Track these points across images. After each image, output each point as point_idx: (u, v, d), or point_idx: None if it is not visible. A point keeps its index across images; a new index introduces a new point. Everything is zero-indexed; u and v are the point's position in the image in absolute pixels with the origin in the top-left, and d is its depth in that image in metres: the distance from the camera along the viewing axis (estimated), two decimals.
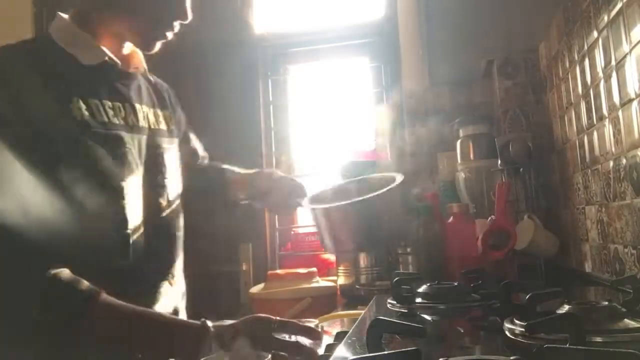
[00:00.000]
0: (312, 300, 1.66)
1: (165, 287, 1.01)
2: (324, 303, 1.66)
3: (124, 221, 0.89)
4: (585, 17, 1.19)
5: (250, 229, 2.10)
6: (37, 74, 0.84)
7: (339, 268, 1.70)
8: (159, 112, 1.07)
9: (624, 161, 1.03)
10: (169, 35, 0.98)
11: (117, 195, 0.88)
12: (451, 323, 0.88)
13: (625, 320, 0.65)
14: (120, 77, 0.97)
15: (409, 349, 0.55)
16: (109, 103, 0.91)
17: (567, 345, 0.55)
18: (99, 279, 0.80)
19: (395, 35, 2.13)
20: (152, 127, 1.02)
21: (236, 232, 2.05)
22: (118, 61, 0.95)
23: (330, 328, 1.14)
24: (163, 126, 1.06)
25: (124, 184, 0.89)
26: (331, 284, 1.78)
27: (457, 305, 0.89)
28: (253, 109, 2.22)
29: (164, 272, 1.02)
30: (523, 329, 0.64)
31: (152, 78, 1.11)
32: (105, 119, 0.89)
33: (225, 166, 1.29)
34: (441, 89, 2.02)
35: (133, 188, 0.92)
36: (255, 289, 1.82)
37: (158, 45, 0.99)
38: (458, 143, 1.79)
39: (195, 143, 1.27)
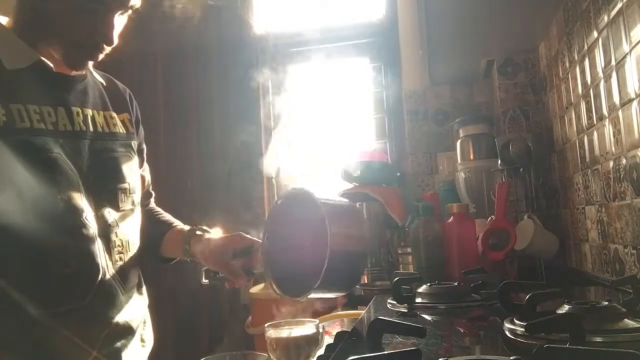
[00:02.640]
0: (312, 300, 1.67)
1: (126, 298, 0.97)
2: (324, 303, 1.66)
3: (62, 225, 0.86)
4: (585, 17, 1.19)
5: (250, 229, 2.10)
6: None
7: None
8: (114, 115, 1.01)
9: (624, 161, 1.03)
10: (98, 57, 0.92)
11: (47, 201, 0.84)
12: (451, 323, 0.88)
13: (625, 320, 0.65)
14: (57, 80, 0.92)
15: (409, 349, 0.55)
16: (36, 107, 0.87)
17: (567, 345, 0.55)
18: (36, 287, 0.81)
19: (395, 35, 2.13)
20: (101, 130, 0.97)
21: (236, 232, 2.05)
22: (51, 64, 0.90)
23: (330, 328, 1.14)
24: (119, 129, 1.01)
25: (54, 190, 0.85)
26: None
27: (457, 305, 0.89)
28: (253, 109, 2.22)
29: (123, 283, 0.96)
30: (523, 329, 0.64)
31: (104, 81, 1.04)
32: (26, 125, 0.85)
33: (163, 217, 1.19)
34: (441, 89, 2.02)
35: (70, 193, 0.87)
36: (255, 289, 1.82)
37: (87, 65, 0.95)
38: (458, 143, 1.79)
39: (145, 172, 1.17)
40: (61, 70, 0.93)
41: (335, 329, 1.08)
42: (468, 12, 1.70)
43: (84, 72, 0.98)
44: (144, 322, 1.04)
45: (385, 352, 0.61)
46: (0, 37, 0.89)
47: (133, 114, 1.08)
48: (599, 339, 0.60)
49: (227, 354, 0.84)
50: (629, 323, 0.64)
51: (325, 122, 2.29)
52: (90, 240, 0.89)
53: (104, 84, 1.03)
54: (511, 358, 0.52)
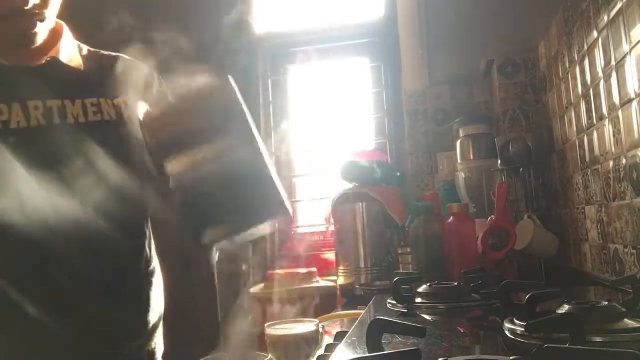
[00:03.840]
0: (312, 300, 1.67)
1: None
2: (324, 303, 1.66)
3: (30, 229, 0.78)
4: (585, 17, 1.19)
5: None
6: None
7: (339, 268, 1.71)
8: (100, 101, 0.91)
9: (624, 161, 1.03)
10: (32, 23, 0.85)
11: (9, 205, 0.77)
12: (451, 323, 0.88)
13: (625, 320, 0.65)
14: (12, 75, 0.86)
15: (409, 349, 0.55)
16: None
17: (567, 345, 0.55)
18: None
19: (395, 35, 2.13)
20: (73, 121, 0.88)
21: None
22: (1, 60, 0.85)
23: (330, 328, 1.14)
24: (107, 117, 0.91)
25: (15, 192, 0.79)
26: (331, 284, 1.78)
27: (457, 305, 0.89)
28: (253, 109, 2.21)
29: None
30: (523, 329, 0.64)
31: (86, 64, 0.94)
32: None
33: None
34: (441, 89, 2.02)
35: (16, 202, 0.79)
36: (255, 288, 1.82)
37: (33, 37, 0.87)
38: (458, 143, 1.79)
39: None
40: (18, 63, 0.86)
41: (335, 329, 1.08)
42: (468, 12, 1.70)
43: (50, 59, 0.89)
44: None
45: (385, 352, 0.60)
46: None
47: (137, 92, 0.96)
48: (599, 339, 0.60)
49: (227, 354, 0.84)
50: (629, 323, 0.64)
51: (325, 122, 2.29)
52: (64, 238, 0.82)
53: (85, 68, 0.94)
54: (511, 358, 0.52)
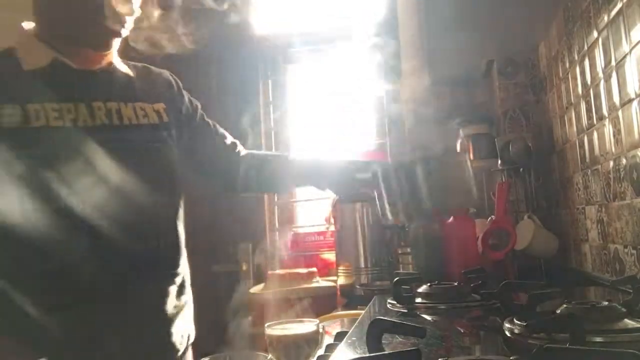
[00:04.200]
0: (312, 300, 1.67)
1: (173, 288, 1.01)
2: (324, 303, 1.66)
3: (73, 219, 0.87)
4: (585, 17, 1.19)
5: (251, 228, 2.10)
6: None
7: (339, 268, 1.71)
8: (144, 106, 1.01)
9: (624, 161, 1.03)
10: (118, 31, 0.93)
11: (60, 196, 0.85)
12: (451, 323, 0.88)
13: (625, 320, 0.65)
14: (78, 77, 0.94)
15: (409, 349, 0.55)
16: (54, 105, 0.89)
17: (567, 345, 0.55)
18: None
19: (395, 36, 2.13)
20: (128, 122, 0.97)
21: (236, 232, 2.05)
22: (70, 62, 0.93)
23: (330, 328, 1.14)
24: (150, 120, 1.01)
25: (68, 183, 0.86)
26: (331, 284, 1.78)
27: (457, 305, 0.89)
28: (253, 109, 2.22)
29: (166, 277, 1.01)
30: (523, 329, 0.64)
31: (133, 72, 1.04)
32: (42, 123, 0.87)
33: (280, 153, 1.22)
34: (441, 89, 2.02)
35: (90, 187, 0.88)
36: (255, 288, 1.82)
37: (112, 43, 0.96)
38: (458, 143, 1.79)
39: (221, 129, 1.19)
40: (83, 67, 0.94)
41: (335, 329, 1.09)
42: (468, 12, 1.70)
43: (107, 64, 0.98)
44: None
45: (385, 352, 0.61)
46: (19, 40, 0.93)
47: (173, 100, 1.08)
48: (599, 339, 0.60)
49: (227, 353, 0.84)
50: (629, 323, 0.64)
51: (325, 122, 2.29)
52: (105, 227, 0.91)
53: (132, 75, 1.03)
54: (511, 358, 0.52)
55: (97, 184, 0.89)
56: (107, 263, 0.91)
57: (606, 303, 0.68)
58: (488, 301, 0.88)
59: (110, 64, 0.99)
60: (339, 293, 1.73)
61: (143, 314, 0.96)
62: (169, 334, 1.00)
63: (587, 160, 1.26)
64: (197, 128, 1.14)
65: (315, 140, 2.31)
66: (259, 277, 1.96)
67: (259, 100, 2.25)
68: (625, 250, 1.08)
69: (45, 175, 0.84)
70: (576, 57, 1.28)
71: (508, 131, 1.72)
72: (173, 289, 1.02)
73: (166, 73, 1.13)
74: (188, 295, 1.09)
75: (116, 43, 0.98)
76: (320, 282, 1.79)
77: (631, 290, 0.81)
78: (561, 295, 0.77)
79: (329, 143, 2.27)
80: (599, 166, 1.18)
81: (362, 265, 1.64)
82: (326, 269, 2.02)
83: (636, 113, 0.96)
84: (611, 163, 1.11)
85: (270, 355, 0.84)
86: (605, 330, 0.62)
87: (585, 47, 1.21)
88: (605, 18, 1.07)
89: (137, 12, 0.95)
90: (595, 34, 1.14)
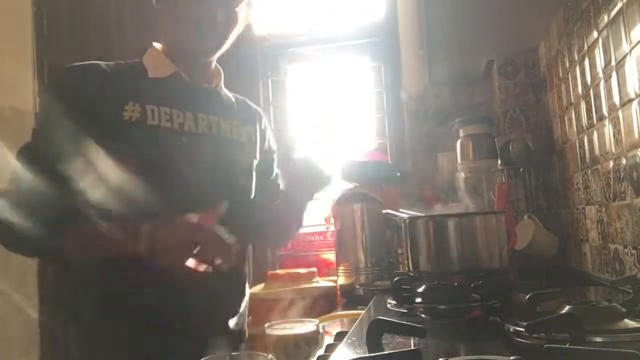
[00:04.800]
0: (312, 300, 1.66)
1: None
2: (324, 303, 1.66)
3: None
4: (585, 17, 1.19)
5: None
6: (108, 83, 1.03)
7: (339, 268, 1.71)
8: (238, 124, 1.18)
9: (624, 161, 1.03)
10: (222, 37, 1.09)
11: (153, 183, 0.95)
12: (451, 323, 0.88)
13: (625, 320, 0.65)
14: (190, 90, 1.11)
15: (409, 349, 0.55)
16: (166, 109, 1.05)
17: (567, 345, 0.55)
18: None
19: (395, 36, 2.13)
20: (224, 135, 1.14)
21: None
22: (185, 76, 1.10)
23: (330, 328, 1.14)
24: (241, 137, 1.18)
25: (163, 175, 0.99)
26: (331, 284, 1.78)
27: (457, 305, 0.89)
28: None
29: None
30: (523, 329, 0.64)
31: (235, 98, 1.24)
32: (156, 122, 1.03)
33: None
34: (441, 89, 2.02)
35: (178, 181, 1.02)
36: (255, 288, 1.82)
37: (214, 51, 1.11)
38: (458, 143, 1.79)
39: (277, 188, 1.30)
40: (195, 82, 1.12)
41: (335, 329, 1.08)
42: (468, 12, 1.71)
43: (215, 86, 1.17)
44: None
45: (385, 352, 0.61)
46: (150, 54, 1.12)
47: (259, 127, 1.26)
48: (599, 339, 0.60)
49: (227, 354, 0.84)
50: (629, 323, 0.64)
51: (325, 122, 2.29)
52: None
53: (234, 100, 1.23)
54: (511, 358, 0.52)
55: (189, 182, 1.03)
56: None
57: (606, 303, 0.68)
58: (488, 301, 0.88)
59: (218, 86, 1.18)
60: (339, 293, 1.73)
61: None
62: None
63: (587, 160, 1.26)
64: (266, 165, 1.27)
65: (315, 140, 2.31)
66: (259, 277, 1.96)
67: (259, 100, 2.24)
68: (625, 250, 1.08)
69: (149, 166, 0.98)
70: (576, 57, 1.29)
71: (508, 131, 1.72)
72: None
73: (259, 109, 1.31)
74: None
75: (216, 51, 1.12)
76: (320, 282, 1.79)
77: (631, 290, 0.81)
78: (561, 295, 0.77)
79: (329, 143, 2.27)
80: (599, 166, 1.18)
81: (362, 265, 1.64)
82: (326, 269, 2.02)
83: (636, 113, 0.96)
84: (611, 163, 1.11)
85: (270, 355, 0.84)
86: (605, 330, 0.62)
87: (585, 47, 1.21)
88: (605, 18, 1.07)
89: (237, 24, 1.10)
90: (595, 34, 1.14)
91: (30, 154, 0.98)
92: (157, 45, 1.13)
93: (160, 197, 0.94)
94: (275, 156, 1.32)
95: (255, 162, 1.21)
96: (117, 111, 1.00)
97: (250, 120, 1.23)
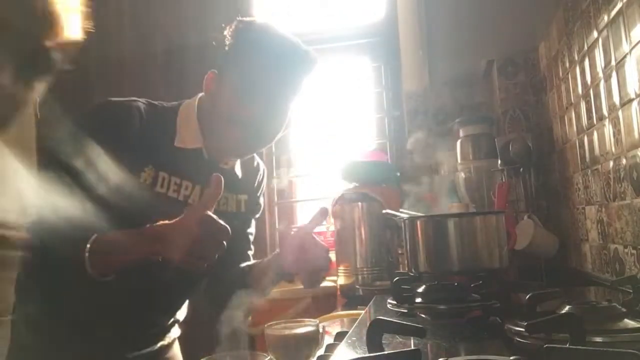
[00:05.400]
0: (312, 300, 1.67)
1: None
2: (324, 303, 1.66)
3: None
4: (585, 17, 1.19)
5: None
6: (138, 138, 1.03)
7: (339, 268, 1.70)
8: (240, 197, 1.21)
9: (624, 161, 1.03)
10: (248, 148, 1.13)
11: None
12: (451, 323, 0.88)
13: (625, 320, 0.65)
14: (205, 165, 1.10)
15: (409, 349, 0.55)
16: (177, 180, 1.07)
17: (567, 345, 0.55)
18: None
19: (395, 36, 2.13)
20: (230, 209, 1.17)
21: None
22: (206, 154, 1.11)
23: (330, 328, 1.14)
24: (241, 208, 1.21)
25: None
26: (331, 284, 1.78)
27: (457, 305, 0.89)
28: None
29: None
30: (523, 329, 0.64)
31: (241, 169, 1.22)
32: (162, 190, 1.05)
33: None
34: (441, 89, 2.02)
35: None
36: None
37: (248, 152, 1.16)
38: (458, 143, 1.79)
39: (250, 246, 1.32)
40: (213, 159, 1.12)
41: (335, 329, 1.08)
42: (468, 12, 1.71)
43: (231, 167, 1.17)
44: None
45: (385, 352, 0.61)
46: (185, 117, 1.10)
47: (257, 191, 1.28)
48: (599, 339, 0.60)
49: (227, 353, 0.84)
50: (629, 323, 0.64)
51: (325, 122, 2.29)
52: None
53: (240, 174, 1.21)
54: (511, 358, 0.52)
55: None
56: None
57: (606, 303, 0.68)
58: (488, 301, 0.88)
59: (232, 168, 1.18)
60: (339, 293, 1.73)
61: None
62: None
63: (587, 160, 1.26)
64: (245, 224, 1.27)
65: (315, 140, 2.31)
66: None
67: None
68: (625, 250, 1.08)
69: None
70: (576, 57, 1.29)
71: (508, 131, 1.72)
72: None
73: (262, 166, 1.30)
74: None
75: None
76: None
77: (631, 290, 0.82)
78: (561, 295, 0.77)
79: (329, 143, 2.27)
80: (599, 166, 1.18)
81: (362, 265, 1.64)
82: None
83: (636, 113, 0.96)
84: (611, 163, 1.11)
85: (270, 355, 0.84)
86: (605, 330, 0.62)
87: (585, 47, 1.21)
88: (605, 18, 1.07)
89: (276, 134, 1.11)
90: (595, 34, 1.14)
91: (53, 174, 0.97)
92: (197, 103, 1.12)
93: (148, 266, 0.96)
94: (258, 213, 1.32)
95: (249, 229, 1.26)
96: (135, 172, 1.02)
97: (248, 189, 1.24)
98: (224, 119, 1.06)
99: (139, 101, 1.08)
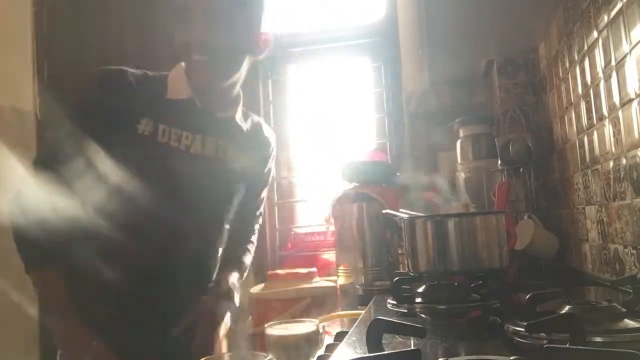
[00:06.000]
0: (312, 300, 1.67)
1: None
2: (324, 303, 1.66)
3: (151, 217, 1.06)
4: (585, 17, 1.19)
5: None
6: (130, 96, 1.10)
7: (339, 268, 1.71)
8: (246, 151, 1.24)
9: (624, 161, 1.03)
10: (205, 63, 1.10)
11: (154, 195, 1.03)
12: (451, 323, 0.88)
13: (625, 320, 0.65)
14: (202, 115, 1.16)
15: (409, 349, 0.55)
16: (177, 130, 1.12)
17: (567, 345, 0.55)
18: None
19: (395, 35, 2.13)
20: (230, 158, 1.20)
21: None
22: (198, 103, 1.15)
23: (330, 328, 1.14)
24: (246, 162, 1.23)
25: (165, 188, 1.06)
26: (331, 284, 1.78)
27: (457, 305, 0.89)
28: (253, 109, 2.21)
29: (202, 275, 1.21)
30: (523, 329, 0.64)
31: (248, 126, 1.28)
32: (164, 140, 1.10)
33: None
34: (441, 89, 2.02)
35: (176, 194, 1.09)
36: (255, 288, 1.82)
37: (213, 75, 1.14)
38: (458, 143, 1.79)
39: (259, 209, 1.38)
40: (207, 108, 1.17)
41: (335, 329, 1.08)
42: (468, 12, 1.70)
43: (229, 117, 1.22)
44: None
45: (385, 352, 0.61)
46: (174, 73, 1.17)
47: (266, 154, 1.33)
48: (599, 339, 0.60)
49: (227, 353, 0.84)
50: (629, 323, 0.65)
51: (325, 122, 2.29)
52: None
53: (246, 128, 1.27)
54: (511, 358, 0.52)
55: (187, 198, 1.11)
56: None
57: (606, 303, 0.68)
58: (488, 301, 0.88)
59: (232, 117, 1.22)
60: (339, 293, 1.73)
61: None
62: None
63: (587, 160, 1.26)
64: (257, 181, 1.34)
65: (315, 140, 2.31)
66: (259, 277, 1.96)
67: (259, 100, 2.24)
68: (625, 250, 1.08)
69: (153, 179, 1.04)
70: (576, 57, 1.29)
71: (508, 131, 1.72)
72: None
73: (272, 136, 1.36)
74: None
75: (235, 90, 1.20)
76: (320, 282, 1.79)
77: (631, 290, 0.81)
78: (561, 295, 0.77)
79: (329, 143, 2.27)
80: (599, 166, 1.18)
81: (362, 265, 1.64)
82: (326, 269, 2.02)
83: (636, 113, 0.96)
84: (611, 163, 1.11)
85: (270, 355, 0.84)
86: (605, 330, 0.62)
87: (585, 47, 1.21)
88: (605, 18, 1.07)
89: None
90: (595, 34, 1.14)
91: (48, 163, 1.05)
92: (183, 64, 1.17)
93: (158, 209, 1.04)
94: (269, 180, 1.39)
95: (247, 186, 1.29)
96: (132, 124, 1.08)
97: (258, 147, 1.31)
98: (191, 49, 1.10)
99: (131, 69, 1.15)
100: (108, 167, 1.01)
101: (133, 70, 1.14)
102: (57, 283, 1.05)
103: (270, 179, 1.40)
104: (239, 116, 1.26)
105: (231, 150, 1.21)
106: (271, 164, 1.37)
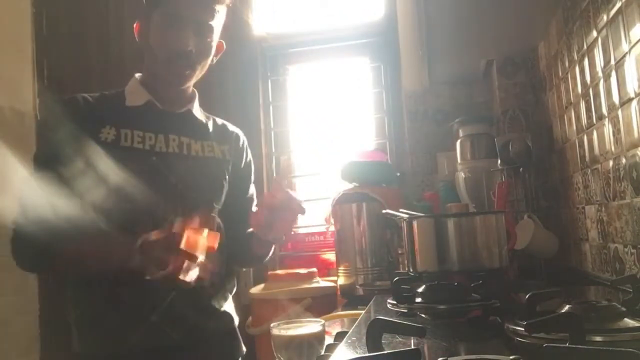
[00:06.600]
0: (312, 300, 1.67)
1: None
2: (324, 303, 1.66)
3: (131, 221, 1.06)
4: (585, 16, 1.19)
5: None
6: (90, 111, 1.15)
7: (339, 268, 1.71)
8: (213, 145, 1.26)
9: (624, 160, 1.03)
10: (191, 68, 1.16)
11: (126, 198, 1.05)
12: (451, 323, 0.88)
13: (625, 319, 0.65)
14: (162, 115, 1.20)
15: (409, 348, 0.55)
16: (139, 133, 1.16)
17: (567, 345, 0.55)
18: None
19: (395, 35, 2.13)
20: (194, 154, 1.22)
21: None
22: (158, 104, 1.19)
23: (330, 328, 1.14)
24: (215, 154, 1.26)
25: (138, 189, 1.06)
26: (331, 284, 1.78)
27: (457, 305, 0.89)
28: (253, 109, 2.22)
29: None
30: (523, 329, 0.64)
31: (211, 122, 1.30)
32: (128, 144, 1.14)
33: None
34: (441, 89, 2.02)
35: (149, 196, 1.08)
36: (255, 289, 1.82)
37: (188, 79, 1.18)
38: (458, 143, 1.79)
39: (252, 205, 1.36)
40: (167, 109, 1.21)
41: (335, 329, 1.08)
42: (468, 12, 1.70)
43: (187, 111, 1.24)
44: None
45: (385, 352, 0.61)
46: (130, 84, 1.22)
47: (236, 146, 1.33)
48: (599, 339, 0.60)
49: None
50: (629, 322, 0.65)
51: (325, 122, 2.29)
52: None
53: (206, 122, 1.29)
54: (511, 358, 0.52)
55: (159, 197, 1.11)
56: None
57: (606, 302, 0.68)
58: (488, 301, 0.88)
59: (189, 111, 1.25)
60: (339, 293, 1.73)
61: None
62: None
63: (587, 159, 1.26)
64: (241, 186, 1.34)
65: (315, 140, 2.31)
66: (259, 277, 1.96)
67: (259, 100, 2.25)
68: (625, 249, 1.08)
69: (121, 183, 1.06)
70: (575, 57, 1.29)
71: (508, 131, 1.72)
72: None
73: (239, 131, 1.37)
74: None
75: (189, 80, 1.20)
76: (320, 282, 1.79)
77: (631, 290, 0.81)
78: (561, 295, 0.77)
79: (329, 143, 2.27)
80: (599, 166, 1.18)
81: (362, 265, 1.64)
82: (326, 269, 2.02)
83: (636, 112, 0.96)
84: (611, 162, 1.11)
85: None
86: (605, 330, 0.62)
87: (585, 47, 1.21)
88: (605, 17, 1.07)
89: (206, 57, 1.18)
90: (594, 33, 1.14)
91: (41, 165, 1.09)
92: (137, 75, 1.24)
93: (132, 211, 1.06)
94: (252, 176, 1.39)
95: (227, 178, 1.28)
96: (94, 133, 1.12)
97: (226, 141, 1.31)
98: (153, 56, 1.16)
99: (85, 94, 1.20)
100: (77, 176, 1.03)
101: (88, 94, 1.20)
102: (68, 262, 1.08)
103: (253, 176, 1.39)
104: (197, 111, 1.28)
105: (195, 145, 1.23)
106: (247, 159, 1.37)
